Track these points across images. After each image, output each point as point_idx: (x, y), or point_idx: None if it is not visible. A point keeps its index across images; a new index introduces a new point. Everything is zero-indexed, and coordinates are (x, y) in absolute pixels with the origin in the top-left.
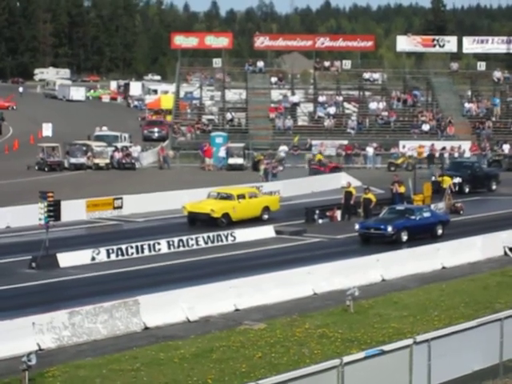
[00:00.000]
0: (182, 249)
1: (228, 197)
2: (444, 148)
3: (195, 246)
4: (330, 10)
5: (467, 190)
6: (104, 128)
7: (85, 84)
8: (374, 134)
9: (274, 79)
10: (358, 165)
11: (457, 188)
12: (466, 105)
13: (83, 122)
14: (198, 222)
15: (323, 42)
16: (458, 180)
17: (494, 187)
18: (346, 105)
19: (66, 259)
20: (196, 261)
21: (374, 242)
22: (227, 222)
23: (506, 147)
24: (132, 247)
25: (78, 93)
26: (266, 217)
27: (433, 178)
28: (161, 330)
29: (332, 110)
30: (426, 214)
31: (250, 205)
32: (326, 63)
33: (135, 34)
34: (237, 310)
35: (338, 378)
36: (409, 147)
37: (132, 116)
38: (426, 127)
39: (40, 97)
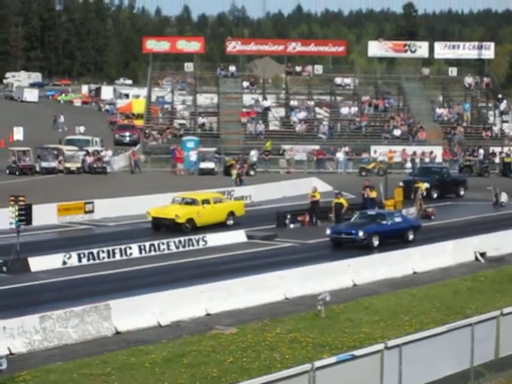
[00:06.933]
0: (153, 253)
1: (192, 202)
2: (415, 153)
3: (166, 251)
4: (301, 15)
5: (435, 195)
6: (81, 128)
7: (56, 88)
8: (346, 139)
9: (245, 84)
10: (330, 170)
11: (424, 193)
12: (438, 110)
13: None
14: (163, 227)
15: (295, 47)
16: (426, 185)
17: (461, 193)
18: (317, 110)
19: (37, 263)
20: (167, 265)
21: (345, 247)
22: (192, 228)
23: (480, 152)
24: (103, 251)
25: (31, 94)
26: (230, 222)
27: (400, 184)
28: (132, 334)
29: (303, 114)
30: (398, 219)
31: (215, 210)
32: (298, 68)
33: (107, 38)
34: (208, 314)
35: (309, 382)
36: (380, 152)
37: (103, 120)
38: (397, 132)
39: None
